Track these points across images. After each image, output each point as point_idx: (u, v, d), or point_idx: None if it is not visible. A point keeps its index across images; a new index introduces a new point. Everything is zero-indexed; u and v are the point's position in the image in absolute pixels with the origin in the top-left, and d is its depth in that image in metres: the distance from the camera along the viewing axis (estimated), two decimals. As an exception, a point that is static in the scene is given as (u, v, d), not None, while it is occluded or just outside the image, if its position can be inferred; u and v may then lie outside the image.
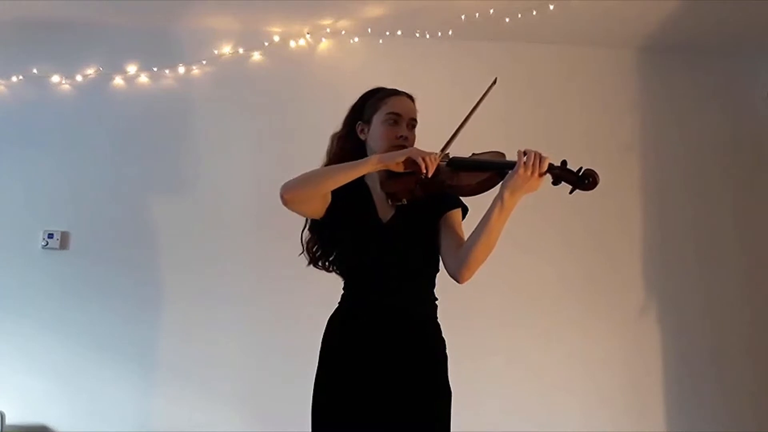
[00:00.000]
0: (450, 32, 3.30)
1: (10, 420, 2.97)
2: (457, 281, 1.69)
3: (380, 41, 3.36)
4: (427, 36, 3.35)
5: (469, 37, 3.35)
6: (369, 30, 3.33)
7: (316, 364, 1.75)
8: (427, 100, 3.26)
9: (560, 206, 3.23)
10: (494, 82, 1.76)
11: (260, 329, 3.13)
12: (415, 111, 1.81)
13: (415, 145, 1.75)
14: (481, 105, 1.75)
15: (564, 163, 1.59)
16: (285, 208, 1.68)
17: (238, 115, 3.31)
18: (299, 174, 1.66)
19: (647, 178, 3.44)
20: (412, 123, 1.79)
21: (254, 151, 3.27)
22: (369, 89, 1.87)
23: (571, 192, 1.60)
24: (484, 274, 3.12)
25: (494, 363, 3.18)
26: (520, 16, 3.14)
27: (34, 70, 3.25)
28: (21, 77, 3.24)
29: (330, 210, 1.75)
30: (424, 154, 1.58)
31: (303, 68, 3.36)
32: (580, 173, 1.57)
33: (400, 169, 1.61)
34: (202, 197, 3.22)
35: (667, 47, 3.48)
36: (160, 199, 3.22)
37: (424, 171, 1.56)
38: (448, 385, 1.71)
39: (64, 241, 3.15)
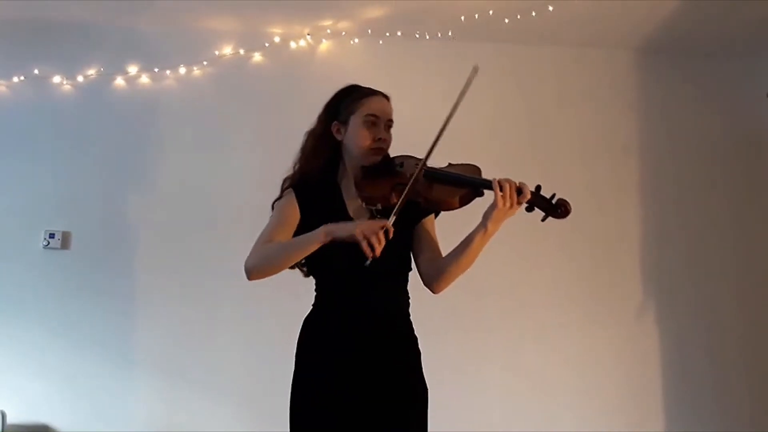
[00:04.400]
0: (450, 33, 3.31)
1: (11, 419, 2.97)
2: (432, 291, 1.72)
3: (380, 42, 3.37)
4: (427, 37, 3.36)
5: (468, 38, 3.36)
6: (369, 31, 3.34)
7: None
8: (427, 100, 3.31)
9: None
10: (475, 70, 1.65)
11: (261, 330, 3.13)
12: (391, 111, 1.78)
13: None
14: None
15: (538, 188, 1.60)
16: None
17: (238, 115, 3.32)
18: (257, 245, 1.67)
19: (645, 179, 3.44)
20: (389, 124, 1.77)
21: (255, 152, 3.27)
22: (343, 87, 1.84)
23: (543, 219, 1.61)
24: (482, 279, 3.16)
25: (492, 367, 3.19)
26: (519, 17, 3.15)
27: (36, 71, 3.26)
28: (22, 78, 3.25)
29: (301, 222, 1.74)
30: (369, 234, 1.50)
31: (303, 69, 3.37)
32: (554, 201, 1.59)
33: (349, 240, 1.53)
34: (202, 197, 3.23)
35: (666, 48, 3.49)
36: (162, 200, 3.22)
37: (369, 256, 1.49)
38: (425, 381, 1.73)
39: (66, 241, 3.16)
